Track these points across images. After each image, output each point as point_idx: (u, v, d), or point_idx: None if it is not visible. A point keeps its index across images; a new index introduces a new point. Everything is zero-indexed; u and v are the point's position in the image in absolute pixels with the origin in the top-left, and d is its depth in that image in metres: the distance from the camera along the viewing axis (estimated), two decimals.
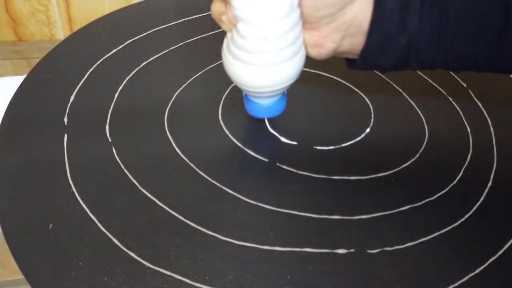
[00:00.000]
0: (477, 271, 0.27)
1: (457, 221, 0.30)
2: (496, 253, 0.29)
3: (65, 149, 0.32)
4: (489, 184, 0.33)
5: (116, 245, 0.26)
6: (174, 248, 0.26)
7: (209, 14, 0.48)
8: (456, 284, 0.27)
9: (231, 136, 0.34)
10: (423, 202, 0.31)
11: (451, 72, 0.44)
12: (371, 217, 0.30)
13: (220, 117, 0.36)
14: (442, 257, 0.28)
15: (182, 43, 0.43)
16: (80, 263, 0.25)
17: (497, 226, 0.30)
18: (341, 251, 0.27)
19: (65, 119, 0.34)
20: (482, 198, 0.32)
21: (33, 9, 0.55)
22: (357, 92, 0.40)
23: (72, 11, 0.56)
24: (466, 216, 0.31)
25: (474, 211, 0.31)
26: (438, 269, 0.27)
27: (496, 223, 0.31)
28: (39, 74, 0.39)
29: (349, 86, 0.41)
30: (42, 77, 0.38)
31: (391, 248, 0.28)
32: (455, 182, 0.33)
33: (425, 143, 0.36)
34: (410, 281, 0.26)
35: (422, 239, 0.29)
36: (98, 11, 0.57)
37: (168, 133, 0.34)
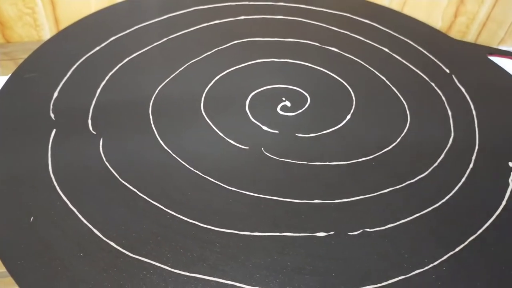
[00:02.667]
0: (457, 250, 0.28)
1: (437, 203, 0.30)
2: (475, 232, 0.29)
3: (50, 144, 0.32)
4: (471, 166, 0.33)
5: (97, 235, 0.27)
6: (153, 237, 0.27)
7: (193, 10, 0.49)
8: (436, 263, 0.27)
9: (213, 127, 0.35)
10: (404, 184, 0.31)
11: (435, 59, 0.45)
12: (352, 201, 0.30)
13: (202, 109, 0.36)
14: (422, 238, 0.28)
15: (165, 39, 0.44)
16: (61, 254, 0.25)
17: (477, 206, 0.31)
18: (320, 234, 0.28)
19: (52, 115, 0.34)
20: (463, 180, 0.32)
21: (20, 12, 0.55)
22: (338, 80, 0.40)
23: (58, 13, 0.56)
24: (447, 197, 0.31)
25: (455, 192, 0.31)
26: (418, 249, 0.27)
27: (477, 204, 0.31)
28: (23, 73, 0.39)
29: (330, 75, 0.41)
30: (26, 76, 0.38)
31: (371, 230, 0.28)
32: (436, 164, 0.33)
33: (406, 128, 0.36)
34: (390, 261, 0.27)
35: (402, 221, 0.29)
36: (84, 11, 0.57)
37: (152, 125, 0.34)
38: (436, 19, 0.60)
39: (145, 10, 0.49)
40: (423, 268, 0.26)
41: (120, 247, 0.26)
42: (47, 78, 0.38)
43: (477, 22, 0.62)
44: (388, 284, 0.26)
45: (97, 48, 0.42)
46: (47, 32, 0.58)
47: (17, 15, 0.55)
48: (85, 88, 0.37)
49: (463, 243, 0.28)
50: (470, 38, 0.63)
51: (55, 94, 0.36)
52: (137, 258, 0.26)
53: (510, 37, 0.64)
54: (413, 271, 0.26)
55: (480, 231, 0.29)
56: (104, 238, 0.26)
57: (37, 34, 0.57)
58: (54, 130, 0.33)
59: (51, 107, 0.35)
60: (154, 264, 0.25)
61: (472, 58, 0.46)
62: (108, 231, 0.27)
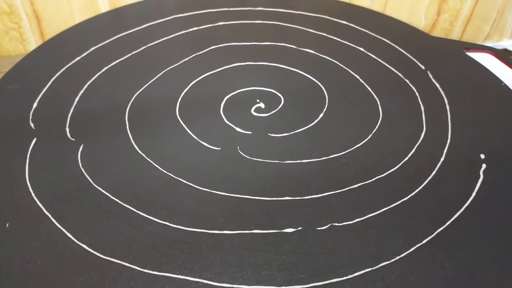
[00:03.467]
0: (424, 241, 0.28)
1: (406, 196, 0.31)
2: (444, 224, 0.29)
3: (29, 152, 0.33)
4: (442, 159, 0.34)
5: (70, 238, 0.27)
6: (124, 238, 0.27)
7: (173, 18, 0.50)
8: (402, 255, 0.27)
9: (187, 130, 0.35)
10: (374, 179, 0.32)
11: (410, 56, 0.45)
12: (322, 197, 0.30)
13: (177, 113, 0.37)
14: (390, 231, 0.29)
15: (144, 47, 0.45)
16: (34, 258, 0.26)
17: (447, 199, 0.31)
18: (289, 230, 0.28)
19: (31, 124, 0.35)
20: (433, 173, 0.33)
21: (6, 27, 0.56)
22: (313, 80, 0.41)
23: (43, 26, 0.57)
24: (416, 191, 0.31)
25: (425, 185, 0.32)
26: (386, 242, 0.28)
27: (447, 196, 0.31)
28: (5, 85, 0.40)
29: (305, 75, 0.42)
30: (8, 88, 0.39)
31: (339, 224, 0.29)
32: (406, 159, 0.34)
33: (378, 124, 0.37)
34: (356, 254, 0.27)
35: (370, 214, 0.29)
36: (69, 24, 0.58)
37: (128, 131, 0.35)
38: (419, 18, 0.61)
39: (126, 19, 0.50)
40: (389, 260, 0.27)
41: (92, 249, 0.27)
42: (28, 89, 0.39)
43: (461, 19, 0.63)
44: (354, 277, 0.26)
45: (78, 58, 0.43)
46: (33, 46, 0.59)
47: (3, 30, 0.56)
48: (63, 97, 0.38)
49: (431, 235, 0.28)
50: (455, 35, 0.64)
51: (35, 105, 0.37)
52: (108, 260, 0.26)
53: (496, 33, 0.64)
54: (379, 263, 0.27)
55: (448, 222, 0.29)
56: (76, 241, 0.27)
57: (23, 48, 0.58)
58: (34, 139, 0.34)
59: (31, 117, 0.36)
60: (124, 265, 0.26)
61: (448, 54, 0.47)
62: (81, 234, 0.27)
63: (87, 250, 0.27)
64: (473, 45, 0.51)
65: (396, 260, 0.27)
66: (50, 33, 0.58)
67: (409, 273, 0.26)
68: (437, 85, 0.42)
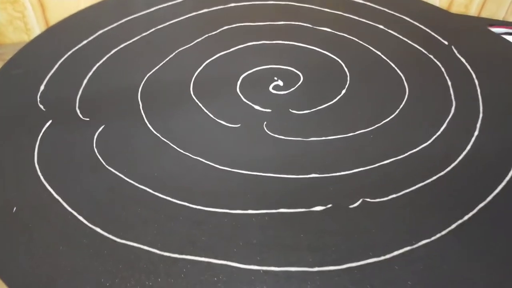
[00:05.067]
0: (465, 218, 0.26)
1: (442, 171, 0.29)
2: (485, 199, 0.27)
3: (40, 135, 0.31)
4: (476, 133, 0.32)
5: (82, 222, 0.25)
6: (141, 221, 0.25)
7: (181, 1, 0.48)
8: (443, 233, 0.25)
9: (203, 109, 0.33)
10: (406, 154, 0.30)
11: (432, 32, 0.43)
12: (351, 173, 0.28)
13: (192, 93, 0.35)
14: (428, 208, 0.26)
15: (153, 29, 0.43)
16: (45, 243, 0.24)
17: (485, 173, 0.29)
18: (318, 208, 0.26)
19: (41, 106, 0.33)
20: (468, 147, 0.30)
21: (10, 16, 0.55)
22: (332, 57, 0.39)
23: (48, 15, 0.55)
24: (452, 165, 0.29)
25: (460, 160, 0.30)
26: (423, 219, 0.26)
27: (484, 171, 0.29)
28: (9, 70, 0.38)
29: (323, 53, 0.40)
30: (13, 73, 0.38)
31: (372, 201, 0.26)
32: (439, 133, 0.31)
33: (405, 100, 0.34)
34: (393, 233, 0.25)
35: (405, 191, 0.27)
36: (74, 12, 0.57)
37: (141, 110, 0.33)
38: (433, 1, 0.59)
39: (134, 3, 0.48)
40: (429, 238, 0.25)
41: (106, 232, 0.25)
42: (34, 73, 0.37)
43: (476, 2, 0.60)
44: (393, 256, 0.24)
45: (85, 42, 0.41)
46: None
47: (7, 20, 0.55)
48: (71, 79, 0.36)
49: (472, 211, 0.26)
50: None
51: (42, 87, 0.36)
52: (124, 243, 0.24)
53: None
54: (419, 242, 0.24)
55: (490, 198, 0.27)
56: (89, 224, 0.25)
57: (28, 38, 0.57)
58: (49, 122, 0.32)
59: (39, 99, 0.34)
60: (142, 248, 0.24)
61: (471, 29, 0.44)
62: (94, 217, 0.25)
63: (101, 234, 0.25)
64: (496, 21, 0.49)
65: (436, 238, 0.25)
66: (55, 22, 0.56)
67: (452, 251, 0.24)
68: (463, 60, 0.39)
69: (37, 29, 0.56)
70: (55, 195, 0.27)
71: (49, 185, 0.27)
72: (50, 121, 0.32)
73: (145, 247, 0.24)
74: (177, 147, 0.30)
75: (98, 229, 0.25)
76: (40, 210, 0.26)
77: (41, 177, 0.28)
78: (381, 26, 0.44)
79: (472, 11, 0.60)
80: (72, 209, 0.26)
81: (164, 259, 0.23)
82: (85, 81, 0.36)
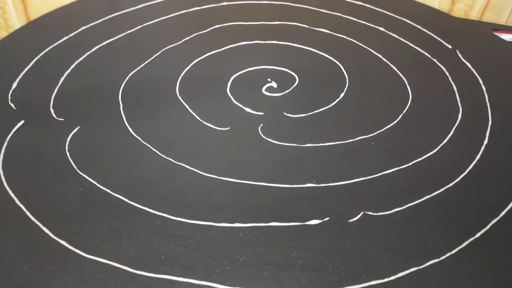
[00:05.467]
0: (478, 235, 0.23)
1: (450, 182, 0.26)
2: (498, 214, 0.24)
3: (10, 135, 0.28)
4: (485, 142, 0.29)
5: (46, 234, 0.22)
6: (113, 234, 0.22)
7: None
8: (453, 252, 0.22)
9: (190, 110, 0.31)
10: (410, 164, 0.27)
11: (435, 36, 0.41)
12: (350, 183, 0.26)
13: (178, 93, 0.32)
14: (435, 223, 0.24)
15: (139, 27, 0.40)
16: (4, 257, 0.21)
17: (497, 185, 0.26)
18: (313, 222, 0.23)
19: (11, 105, 0.31)
20: (478, 157, 0.28)
21: None
22: (329, 59, 0.36)
23: (30, 12, 0.52)
24: (461, 176, 0.26)
25: (470, 170, 0.27)
26: (431, 236, 0.23)
27: (497, 182, 0.26)
28: None
29: (320, 54, 0.37)
30: None
31: (374, 214, 0.24)
32: (445, 141, 0.29)
33: (408, 104, 0.32)
34: (398, 251, 0.22)
35: (410, 204, 0.25)
36: None
37: (121, 111, 0.30)
38: (433, 4, 0.57)
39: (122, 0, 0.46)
40: (438, 258, 0.22)
41: (73, 246, 0.22)
42: (7, 69, 0.34)
43: (476, 9, 0.59)
44: (397, 278, 0.21)
45: (65, 37, 0.38)
46: None
47: None
48: (47, 77, 0.33)
49: (484, 227, 0.24)
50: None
51: (14, 85, 0.33)
52: (92, 259, 0.21)
53: None
54: (427, 262, 0.22)
55: (503, 212, 0.24)
56: (54, 237, 0.22)
57: None
58: (21, 122, 0.29)
59: (9, 97, 0.31)
60: (113, 265, 0.21)
61: (475, 33, 0.42)
62: (60, 229, 0.22)
63: (67, 248, 0.22)
64: (501, 26, 0.47)
65: (446, 257, 0.22)
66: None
67: (464, 272, 0.21)
68: (468, 64, 0.37)
69: (18, 26, 0.53)
70: (17, 202, 0.24)
71: (12, 191, 0.24)
72: (22, 122, 0.29)
73: (116, 264, 0.21)
74: (159, 152, 0.27)
75: (64, 243, 0.22)
76: (0, 218, 0.23)
77: (4, 182, 0.25)
78: (382, 28, 0.41)
79: (472, 17, 0.58)
80: (36, 219, 0.23)
81: (137, 279, 0.20)
82: (62, 79, 0.33)
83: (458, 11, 0.58)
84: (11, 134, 0.28)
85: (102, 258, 0.21)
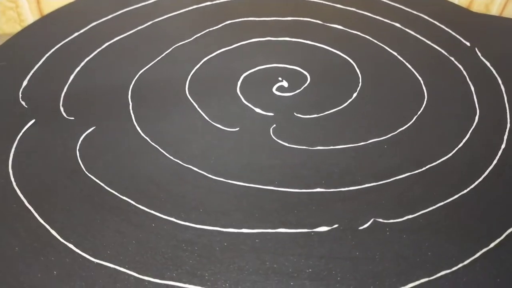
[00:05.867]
0: (491, 245, 0.22)
1: (465, 189, 0.25)
2: None
3: (20, 135, 0.28)
4: (503, 146, 0.28)
5: (54, 236, 0.22)
6: (120, 238, 0.22)
7: None
8: (466, 262, 0.22)
9: (199, 110, 0.30)
10: (424, 169, 0.26)
11: (453, 32, 0.39)
12: (361, 189, 0.25)
13: (187, 92, 0.32)
14: (448, 231, 0.23)
15: (150, 23, 0.40)
16: (12, 260, 0.21)
17: None
18: (322, 229, 0.23)
19: (22, 103, 0.31)
20: (495, 162, 0.27)
21: (3, 6, 0.52)
22: (342, 57, 0.36)
23: (43, 6, 0.52)
24: (476, 182, 0.26)
25: (486, 176, 0.26)
26: (443, 246, 0.22)
27: None
28: None
29: (333, 52, 0.36)
30: None
31: (385, 221, 0.23)
32: (460, 145, 0.28)
33: (423, 106, 0.31)
34: (408, 261, 0.22)
35: (423, 211, 0.24)
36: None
37: (131, 111, 0.30)
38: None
39: None
40: (450, 269, 0.21)
41: (80, 250, 0.22)
42: (19, 66, 0.34)
43: (498, 2, 0.57)
44: None
45: (76, 34, 0.38)
46: None
47: (0, 10, 0.52)
48: (57, 74, 0.33)
49: (499, 237, 0.23)
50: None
51: (25, 83, 0.33)
52: (99, 263, 0.21)
53: None
54: (438, 272, 0.21)
55: None
56: (62, 240, 0.22)
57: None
58: (32, 120, 0.29)
59: (20, 95, 0.31)
60: (118, 270, 0.21)
61: (495, 30, 0.41)
62: (67, 231, 0.22)
63: (74, 251, 0.22)
64: None
65: (458, 268, 0.21)
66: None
67: (475, 285, 0.21)
68: (487, 63, 0.36)
69: (31, 20, 0.53)
70: (26, 204, 0.24)
71: (21, 192, 0.24)
72: (33, 120, 0.29)
73: (122, 269, 0.21)
74: (167, 153, 0.27)
75: (71, 246, 0.22)
76: (8, 219, 0.23)
77: (13, 183, 0.25)
78: (398, 25, 0.40)
79: (493, 11, 0.56)
80: (44, 221, 0.23)
81: (142, 284, 0.20)
82: (71, 77, 0.33)
83: (479, 5, 0.56)
84: (21, 133, 0.28)
85: (108, 262, 0.21)
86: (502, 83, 0.34)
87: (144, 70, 0.34)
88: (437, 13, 0.42)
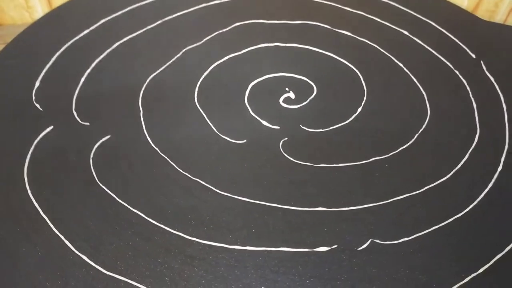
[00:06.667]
0: (480, 271, 0.24)
1: (460, 212, 0.26)
2: (503, 249, 0.25)
3: (36, 140, 0.29)
4: (499, 169, 0.29)
5: (68, 247, 0.24)
6: (131, 251, 0.23)
7: None
8: (455, 287, 0.23)
9: (208, 121, 0.31)
10: (422, 190, 0.27)
11: (460, 43, 0.40)
12: (361, 209, 0.26)
13: (196, 100, 0.33)
14: (441, 255, 0.24)
15: (160, 21, 0.40)
16: (27, 270, 0.23)
17: (507, 217, 0.26)
18: (322, 249, 0.24)
19: (37, 105, 0.31)
20: (490, 185, 0.28)
21: None
22: (350, 67, 0.36)
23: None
24: (471, 206, 0.27)
25: (480, 200, 0.27)
26: (436, 270, 0.24)
27: (506, 215, 0.27)
28: (4, 59, 0.36)
29: (340, 61, 0.37)
30: (6, 63, 0.35)
31: (382, 243, 0.24)
32: (458, 167, 0.29)
33: (425, 123, 0.32)
34: (404, 283, 0.23)
35: (419, 234, 0.25)
36: None
37: (141, 119, 0.31)
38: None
39: None
40: None
41: (93, 261, 0.23)
42: (29, 65, 0.35)
43: (502, 10, 0.56)
44: None
45: (86, 31, 0.38)
46: (40, 14, 0.54)
47: None
48: (69, 76, 0.34)
49: (487, 263, 0.24)
50: (499, 18, 0.57)
51: (37, 84, 0.33)
52: (111, 276, 0.23)
53: None
54: None
55: (508, 248, 0.25)
56: (76, 251, 0.23)
57: (30, 16, 0.54)
58: (51, 127, 0.30)
59: (34, 97, 0.32)
60: (131, 284, 0.22)
61: (503, 40, 0.41)
62: (80, 242, 0.24)
63: (87, 263, 0.23)
64: None
65: None
66: (58, 1, 0.53)
67: None
68: (491, 78, 0.36)
69: (39, 8, 0.53)
70: (42, 213, 0.25)
71: (36, 201, 0.26)
72: (52, 127, 0.30)
73: (134, 282, 0.22)
74: (176, 165, 0.28)
75: (85, 257, 0.23)
76: (24, 229, 0.24)
77: (29, 191, 0.26)
78: (406, 32, 0.40)
79: (500, 14, 0.56)
80: (59, 231, 0.24)
81: None
82: (82, 79, 0.34)
83: (488, 3, 0.56)
84: (39, 138, 0.29)
85: (120, 275, 0.23)
86: (504, 101, 0.34)
87: (155, 75, 0.35)
88: (446, 20, 0.42)
